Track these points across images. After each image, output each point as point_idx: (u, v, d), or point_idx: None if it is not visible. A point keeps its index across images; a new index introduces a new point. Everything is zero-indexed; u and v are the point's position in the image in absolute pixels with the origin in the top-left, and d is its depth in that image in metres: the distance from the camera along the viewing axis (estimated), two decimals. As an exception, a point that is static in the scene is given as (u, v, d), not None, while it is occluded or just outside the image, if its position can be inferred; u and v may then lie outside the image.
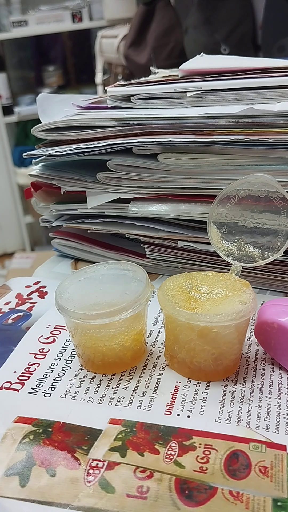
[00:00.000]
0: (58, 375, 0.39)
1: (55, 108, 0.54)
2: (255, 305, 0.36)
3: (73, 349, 0.42)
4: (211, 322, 0.34)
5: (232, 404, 0.35)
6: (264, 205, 0.39)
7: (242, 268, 0.40)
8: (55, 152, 0.49)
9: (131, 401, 0.36)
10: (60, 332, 0.45)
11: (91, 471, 0.31)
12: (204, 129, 0.44)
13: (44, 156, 0.51)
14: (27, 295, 0.51)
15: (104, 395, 0.37)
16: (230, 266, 0.41)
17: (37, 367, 0.40)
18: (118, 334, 0.37)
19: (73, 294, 0.40)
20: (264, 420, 0.34)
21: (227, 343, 0.36)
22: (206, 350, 0.36)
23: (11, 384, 0.39)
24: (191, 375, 0.38)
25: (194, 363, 0.37)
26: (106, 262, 0.43)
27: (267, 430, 0.33)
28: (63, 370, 0.40)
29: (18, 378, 0.39)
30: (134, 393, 0.37)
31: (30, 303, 0.50)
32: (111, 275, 0.42)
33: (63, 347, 0.43)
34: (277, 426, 0.33)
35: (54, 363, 0.41)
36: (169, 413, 0.35)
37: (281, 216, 0.38)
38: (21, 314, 0.48)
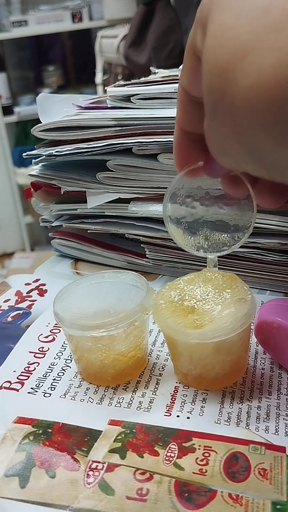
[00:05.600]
0: (57, 374, 0.39)
1: (55, 108, 0.54)
2: (253, 300, 0.35)
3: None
4: (224, 335, 0.33)
5: (231, 405, 0.35)
6: (218, 185, 0.34)
7: (241, 269, 0.40)
8: (55, 152, 0.49)
9: (130, 402, 0.36)
10: (60, 330, 0.44)
11: (90, 472, 0.31)
12: (204, 129, 0.44)
13: (44, 156, 0.51)
14: (27, 293, 0.51)
15: (104, 396, 0.37)
16: (231, 264, 0.40)
17: (37, 366, 0.40)
18: (117, 345, 0.36)
19: (71, 304, 0.38)
20: (264, 421, 0.33)
21: (242, 345, 0.35)
22: (223, 361, 0.35)
23: (11, 383, 0.39)
24: (209, 386, 0.36)
25: (212, 374, 0.35)
26: (106, 272, 0.41)
27: (266, 432, 0.33)
28: (63, 369, 0.40)
29: (17, 378, 0.39)
30: (133, 394, 0.37)
31: (30, 301, 0.50)
32: (111, 285, 0.41)
33: (62, 345, 0.42)
34: (277, 428, 0.33)
35: (54, 362, 0.41)
36: (168, 414, 0.35)
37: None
38: (21, 312, 0.48)
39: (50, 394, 0.37)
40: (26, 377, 0.39)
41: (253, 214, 0.33)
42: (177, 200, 0.36)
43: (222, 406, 0.35)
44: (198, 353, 0.34)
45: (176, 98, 0.47)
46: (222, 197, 0.35)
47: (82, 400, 0.37)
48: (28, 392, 0.38)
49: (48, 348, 0.42)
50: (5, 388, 0.38)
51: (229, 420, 0.34)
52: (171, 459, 0.31)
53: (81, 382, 0.38)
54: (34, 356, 0.42)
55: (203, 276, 0.37)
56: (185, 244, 0.37)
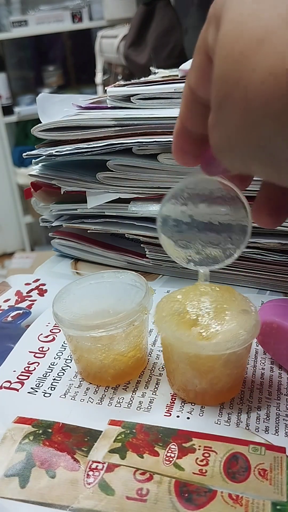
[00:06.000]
0: (57, 374, 0.39)
1: (55, 108, 0.54)
2: (256, 310, 0.35)
3: (73, 349, 0.42)
4: (238, 346, 0.32)
5: (231, 405, 0.35)
6: (213, 200, 0.35)
7: (241, 269, 0.40)
8: (55, 152, 0.49)
9: (130, 402, 0.36)
10: (60, 330, 0.44)
11: (90, 473, 0.31)
12: (204, 129, 0.44)
13: (44, 156, 0.51)
14: (27, 293, 0.51)
15: (103, 396, 0.37)
16: (231, 264, 0.39)
17: (37, 366, 0.40)
18: (116, 345, 0.36)
19: (71, 304, 0.38)
20: (264, 422, 0.33)
21: (246, 358, 0.35)
22: (229, 374, 0.34)
23: (11, 383, 0.39)
24: (211, 401, 0.35)
25: (216, 389, 0.34)
26: (106, 272, 0.41)
27: (266, 432, 0.33)
28: (63, 369, 0.40)
29: (17, 378, 0.39)
30: (133, 394, 0.37)
31: (30, 300, 0.50)
32: (111, 285, 0.41)
33: (62, 345, 0.42)
34: (277, 428, 0.33)
35: (54, 362, 0.41)
36: (168, 414, 0.35)
37: (232, 209, 0.34)
38: (21, 312, 0.48)
39: (50, 394, 0.37)
40: (26, 377, 0.39)
41: (248, 232, 0.33)
42: (173, 209, 0.35)
43: (222, 406, 0.35)
44: (208, 365, 0.33)
45: (176, 98, 0.47)
46: (217, 210, 0.34)
47: (82, 400, 0.37)
48: (28, 392, 0.38)
49: (48, 348, 0.42)
50: (5, 388, 0.38)
51: (229, 420, 0.34)
52: (171, 459, 0.31)
53: (81, 382, 0.38)
54: (34, 356, 0.42)
55: (198, 289, 0.37)
56: (176, 256, 0.36)
